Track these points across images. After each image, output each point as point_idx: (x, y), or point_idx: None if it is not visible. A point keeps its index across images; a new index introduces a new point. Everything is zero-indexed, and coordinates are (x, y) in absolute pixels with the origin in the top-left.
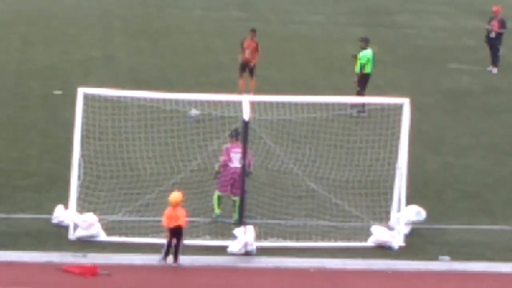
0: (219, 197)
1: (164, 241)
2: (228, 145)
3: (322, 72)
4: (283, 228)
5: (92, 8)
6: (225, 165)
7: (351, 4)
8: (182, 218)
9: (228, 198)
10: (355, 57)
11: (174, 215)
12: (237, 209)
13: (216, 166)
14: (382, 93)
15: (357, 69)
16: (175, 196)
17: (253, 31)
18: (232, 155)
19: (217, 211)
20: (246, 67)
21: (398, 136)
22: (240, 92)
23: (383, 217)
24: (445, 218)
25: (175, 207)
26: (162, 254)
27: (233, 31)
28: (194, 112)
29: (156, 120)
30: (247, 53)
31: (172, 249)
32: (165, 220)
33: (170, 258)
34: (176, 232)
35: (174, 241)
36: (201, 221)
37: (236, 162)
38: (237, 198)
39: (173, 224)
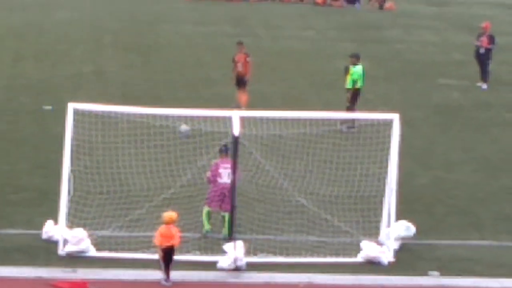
0: (208, 213)
1: (153, 256)
2: (217, 160)
3: (313, 87)
4: (272, 244)
5: (83, 23)
6: (214, 181)
7: (341, 19)
8: (176, 237)
9: (217, 213)
10: (347, 69)
11: (168, 233)
12: (226, 224)
13: (204, 178)
14: (372, 108)
15: (349, 85)
16: (169, 214)
17: (240, 43)
18: (221, 170)
19: (206, 227)
20: (241, 81)
21: (388, 151)
22: (238, 105)
23: (373, 233)
24: (434, 233)
25: (168, 225)
26: (164, 276)
27: (224, 46)
28: (184, 127)
29: (146, 135)
30: (239, 66)
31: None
32: (158, 239)
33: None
34: (168, 251)
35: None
36: (191, 236)
37: (225, 177)
38: (226, 214)
39: (166, 243)
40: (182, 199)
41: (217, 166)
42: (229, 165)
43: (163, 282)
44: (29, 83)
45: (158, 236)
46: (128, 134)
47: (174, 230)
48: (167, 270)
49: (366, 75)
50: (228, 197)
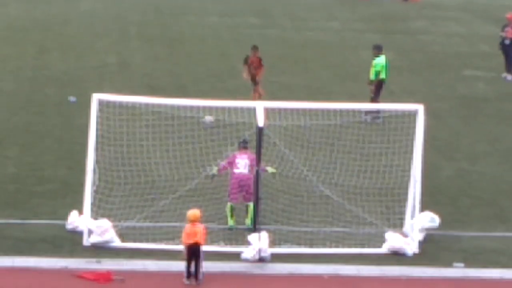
0: (232, 208)
1: (177, 247)
2: (236, 152)
3: (337, 79)
4: (297, 234)
5: (107, 14)
6: (231, 172)
7: (366, 10)
8: (200, 234)
9: (241, 204)
10: (371, 90)
11: (192, 231)
12: (250, 214)
13: (214, 170)
14: (397, 99)
15: (372, 76)
16: (193, 212)
17: (255, 47)
18: (238, 160)
19: (230, 222)
20: (254, 80)
21: (412, 142)
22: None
23: (397, 224)
24: (459, 224)
25: (193, 223)
26: (185, 275)
27: (248, 37)
28: (208, 118)
29: (171, 126)
30: (252, 69)
31: (192, 270)
32: (184, 237)
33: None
34: (194, 250)
35: (193, 262)
36: (216, 227)
37: (241, 167)
38: (250, 203)
39: (191, 241)
40: (207, 190)
41: (234, 157)
42: (246, 156)
43: (184, 281)
44: (54, 74)
45: (183, 235)
46: (152, 125)
47: (199, 228)
48: (188, 268)
49: (390, 67)
50: (248, 187)
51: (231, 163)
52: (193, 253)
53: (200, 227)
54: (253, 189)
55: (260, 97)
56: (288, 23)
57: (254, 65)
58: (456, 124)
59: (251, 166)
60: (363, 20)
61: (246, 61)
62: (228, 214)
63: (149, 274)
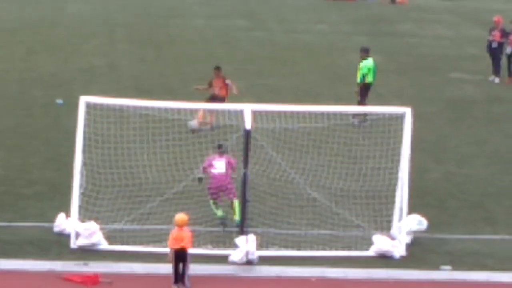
0: (215, 202)
1: (165, 250)
2: (212, 156)
3: (325, 81)
4: (284, 237)
5: (95, 16)
6: (208, 172)
7: (354, 12)
8: (186, 240)
9: (226, 203)
10: (357, 93)
11: (179, 236)
12: (237, 210)
13: (197, 173)
14: (384, 102)
15: (358, 79)
16: (180, 217)
17: (217, 68)
18: (215, 162)
19: (219, 213)
20: (214, 100)
21: (400, 145)
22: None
23: (385, 227)
24: (447, 227)
25: (180, 227)
26: (173, 281)
27: (236, 39)
28: (193, 123)
29: (158, 128)
30: (216, 90)
31: (179, 274)
32: (170, 242)
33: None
34: (181, 255)
35: (180, 266)
36: (203, 230)
37: (219, 168)
38: (235, 200)
39: (177, 245)
40: (194, 193)
41: (212, 158)
42: (223, 159)
43: (172, 286)
44: (42, 76)
45: (170, 239)
46: (140, 127)
47: (186, 233)
48: (175, 273)
49: (378, 69)
50: (225, 186)
51: (210, 165)
52: (180, 258)
53: (187, 232)
54: (232, 186)
55: (204, 122)
56: (276, 26)
57: (218, 86)
58: (444, 126)
59: (228, 168)
60: (351, 23)
61: (210, 84)
62: (213, 207)
63: (137, 277)
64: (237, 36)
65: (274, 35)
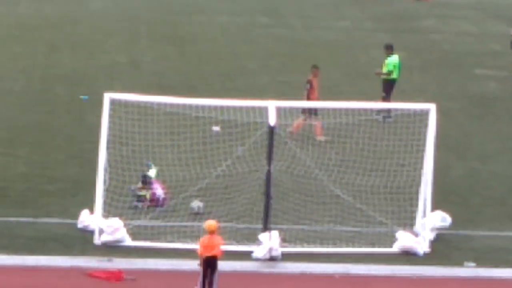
0: None
1: (189, 246)
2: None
3: (347, 78)
4: (307, 234)
5: (118, 13)
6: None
7: (376, 9)
8: (217, 247)
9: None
10: (379, 73)
11: (211, 244)
12: None
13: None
14: (408, 98)
15: (384, 70)
16: (210, 223)
17: (316, 67)
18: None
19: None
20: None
21: (423, 141)
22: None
23: (408, 223)
24: (470, 224)
25: (211, 234)
26: (199, 286)
27: (258, 36)
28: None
29: (182, 126)
30: (317, 93)
31: (208, 280)
32: (200, 249)
33: None
34: (211, 262)
35: (208, 271)
36: (227, 227)
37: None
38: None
39: (208, 253)
40: (217, 189)
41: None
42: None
43: None
44: (64, 73)
45: (200, 246)
46: (164, 124)
47: (217, 240)
48: (203, 281)
49: (402, 66)
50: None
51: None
52: (209, 265)
53: (218, 239)
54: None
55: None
56: (297, 22)
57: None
58: (467, 123)
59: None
60: (373, 19)
61: (311, 85)
62: None
63: (160, 273)
64: (259, 33)
65: (295, 32)
